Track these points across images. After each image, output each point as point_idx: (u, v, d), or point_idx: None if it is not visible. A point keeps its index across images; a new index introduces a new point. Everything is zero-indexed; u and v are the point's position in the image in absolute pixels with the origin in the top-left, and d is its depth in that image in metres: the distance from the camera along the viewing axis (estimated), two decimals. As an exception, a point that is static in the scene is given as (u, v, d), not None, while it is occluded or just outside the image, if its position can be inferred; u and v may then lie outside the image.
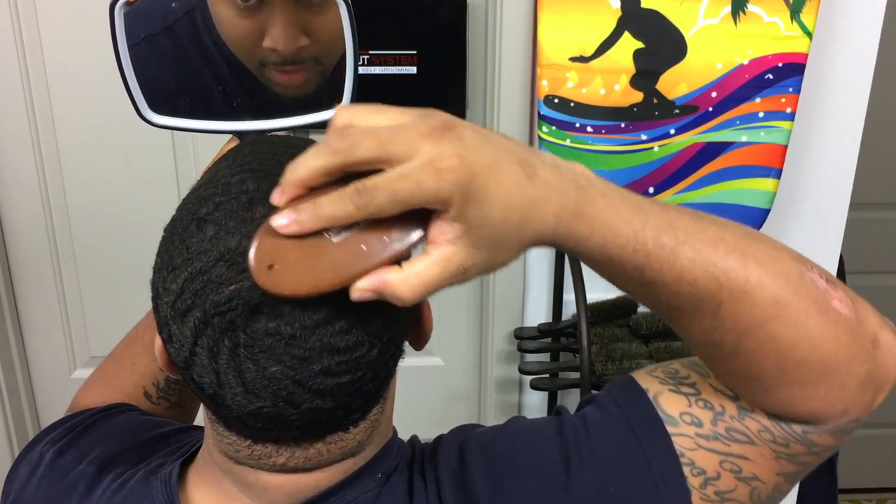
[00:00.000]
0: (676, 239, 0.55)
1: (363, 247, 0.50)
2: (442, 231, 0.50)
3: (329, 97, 0.81)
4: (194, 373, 0.56)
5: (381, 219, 0.50)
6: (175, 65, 0.85)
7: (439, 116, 0.50)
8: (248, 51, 0.85)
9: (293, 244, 0.50)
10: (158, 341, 0.59)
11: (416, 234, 0.51)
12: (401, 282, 0.50)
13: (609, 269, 0.56)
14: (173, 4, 0.84)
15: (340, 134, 0.50)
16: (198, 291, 0.54)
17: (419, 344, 0.65)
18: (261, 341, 0.53)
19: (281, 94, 0.86)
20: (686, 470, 0.60)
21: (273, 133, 0.77)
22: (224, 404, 0.56)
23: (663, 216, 0.55)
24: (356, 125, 0.51)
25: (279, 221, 0.50)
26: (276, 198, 0.52)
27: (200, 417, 0.66)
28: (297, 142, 0.62)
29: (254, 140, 0.65)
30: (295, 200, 0.51)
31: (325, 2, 0.79)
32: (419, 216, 0.50)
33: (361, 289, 0.50)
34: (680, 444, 0.61)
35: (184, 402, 0.90)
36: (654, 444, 0.61)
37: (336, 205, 0.49)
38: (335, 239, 0.50)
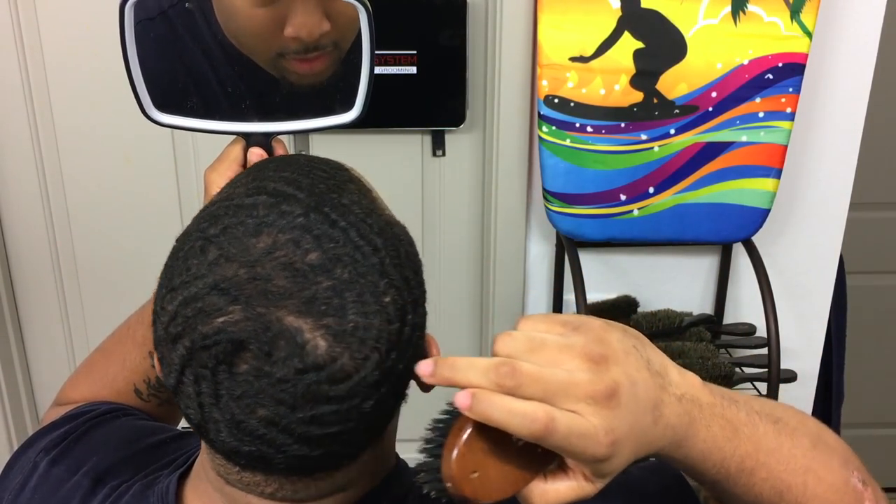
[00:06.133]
0: (757, 461, 0.60)
1: (538, 450, 0.53)
2: (581, 466, 0.53)
3: (340, 101, 0.78)
4: (181, 401, 0.54)
5: None
6: (179, 60, 0.83)
7: (609, 369, 0.52)
8: (266, 42, 0.82)
9: (488, 449, 0.52)
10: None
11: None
12: (540, 494, 0.54)
13: (687, 473, 0.61)
14: (186, 4, 0.83)
15: (511, 370, 0.51)
16: (188, 319, 0.52)
17: (425, 387, 0.63)
18: (246, 383, 0.51)
19: (296, 83, 0.83)
20: None
21: (301, 154, 0.75)
22: (208, 437, 0.55)
23: (751, 437, 0.59)
24: (519, 365, 0.51)
25: (464, 401, 0.50)
26: (424, 370, 0.53)
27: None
28: (325, 167, 0.60)
29: (280, 158, 0.63)
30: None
31: None
32: None
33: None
34: None
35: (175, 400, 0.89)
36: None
37: (520, 427, 0.50)
38: (520, 442, 0.52)
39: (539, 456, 0.53)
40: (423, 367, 0.53)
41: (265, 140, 0.78)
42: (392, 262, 0.55)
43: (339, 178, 0.59)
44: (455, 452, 0.51)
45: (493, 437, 0.52)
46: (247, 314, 0.51)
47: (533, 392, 0.50)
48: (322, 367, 0.51)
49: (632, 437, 0.54)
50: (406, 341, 0.55)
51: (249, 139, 0.78)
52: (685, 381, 0.58)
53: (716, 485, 0.61)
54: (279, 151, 0.80)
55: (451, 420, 0.53)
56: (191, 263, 0.54)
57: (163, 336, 0.54)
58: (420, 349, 0.59)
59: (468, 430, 0.52)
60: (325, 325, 0.51)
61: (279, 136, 0.80)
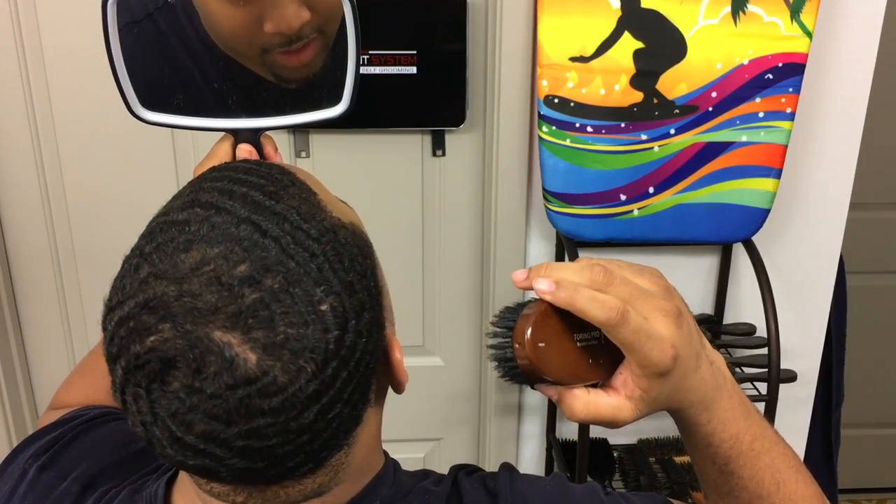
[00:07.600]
0: (763, 447, 0.66)
1: (590, 360, 0.61)
2: (629, 386, 0.61)
3: (328, 95, 0.78)
4: (129, 419, 0.54)
5: (605, 344, 0.60)
6: (164, 59, 0.82)
7: (674, 298, 0.61)
8: (248, 40, 0.81)
9: (554, 333, 0.60)
10: None
11: (617, 377, 0.62)
12: (583, 404, 0.61)
13: (701, 449, 0.67)
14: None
15: (604, 269, 0.59)
16: (123, 339, 0.52)
17: (396, 389, 0.64)
18: (179, 400, 0.51)
19: (288, 76, 0.82)
20: None
21: (245, 160, 0.71)
22: (157, 452, 0.54)
23: (759, 424, 0.67)
24: (610, 267, 0.60)
25: (543, 286, 0.59)
26: (518, 276, 0.61)
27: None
28: (265, 172, 0.59)
29: (222, 166, 0.62)
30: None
31: None
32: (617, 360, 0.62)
33: (545, 392, 0.62)
34: None
35: None
36: None
37: (599, 312, 0.57)
38: (579, 343, 0.61)
39: (590, 367, 0.61)
40: (518, 274, 0.61)
41: (253, 136, 0.78)
42: (332, 268, 0.54)
43: (278, 184, 0.57)
44: (533, 319, 0.59)
45: (560, 326, 0.59)
46: (176, 332, 0.51)
47: (619, 293, 0.58)
48: (253, 381, 0.51)
49: (682, 366, 0.60)
50: (350, 349, 0.54)
51: (238, 135, 0.78)
52: (714, 353, 0.65)
53: (727, 462, 0.65)
54: (268, 147, 0.79)
55: (518, 308, 0.61)
56: (125, 282, 0.54)
57: (106, 355, 0.54)
58: (376, 354, 0.57)
59: (543, 307, 0.59)
60: (254, 338, 0.51)
61: (268, 132, 0.79)
